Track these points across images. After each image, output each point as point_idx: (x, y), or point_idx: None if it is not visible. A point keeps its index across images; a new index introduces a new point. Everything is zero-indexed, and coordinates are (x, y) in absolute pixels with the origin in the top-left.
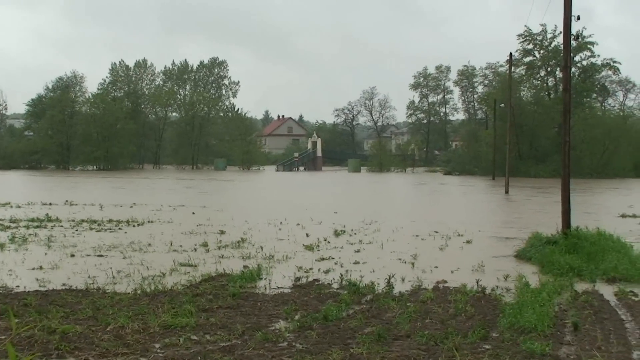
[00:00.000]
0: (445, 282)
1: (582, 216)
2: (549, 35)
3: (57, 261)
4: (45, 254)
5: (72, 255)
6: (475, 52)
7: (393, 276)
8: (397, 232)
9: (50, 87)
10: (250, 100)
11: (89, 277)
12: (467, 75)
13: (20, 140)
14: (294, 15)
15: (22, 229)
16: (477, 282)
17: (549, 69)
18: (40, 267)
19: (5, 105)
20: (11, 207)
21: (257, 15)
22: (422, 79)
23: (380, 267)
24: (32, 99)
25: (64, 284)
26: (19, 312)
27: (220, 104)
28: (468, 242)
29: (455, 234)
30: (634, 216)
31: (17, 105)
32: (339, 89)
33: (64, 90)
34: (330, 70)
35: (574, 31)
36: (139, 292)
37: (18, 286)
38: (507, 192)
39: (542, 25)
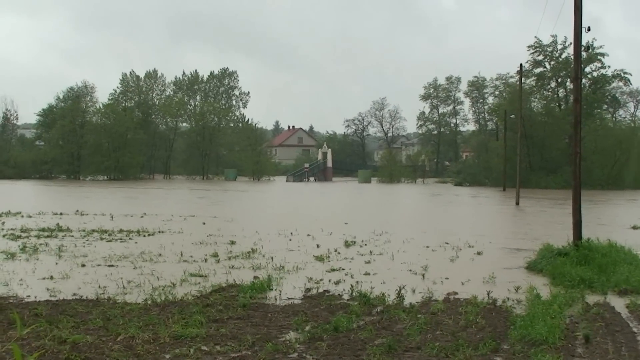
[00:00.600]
0: (456, 293)
1: (593, 228)
2: (559, 47)
3: (68, 271)
4: (56, 263)
5: (83, 265)
6: (485, 63)
7: (403, 287)
8: (407, 243)
9: (61, 97)
10: (261, 110)
11: (99, 287)
12: (477, 86)
13: (31, 150)
14: (300, 26)
15: (33, 239)
16: (488, 294)
17: (559, 80)
18: (51, 277)
19: (17, 115)
20: (22, 216)
21: (264, 26)
22: (432, 90)
23: (391, 278)
24: (43, 109)
25: (74, 294)
26: (29, 322)
27: (230, 114)
28: (479, 253)
29: (465, 245)
30: None
31: (28, 116)
32: (349, 100)
33: (75, 100)
34: (339, 81)
35: (584, 42)
36: (149, 302)
37: (29, 296)
38: (517, 203)
39: (552, 36)
